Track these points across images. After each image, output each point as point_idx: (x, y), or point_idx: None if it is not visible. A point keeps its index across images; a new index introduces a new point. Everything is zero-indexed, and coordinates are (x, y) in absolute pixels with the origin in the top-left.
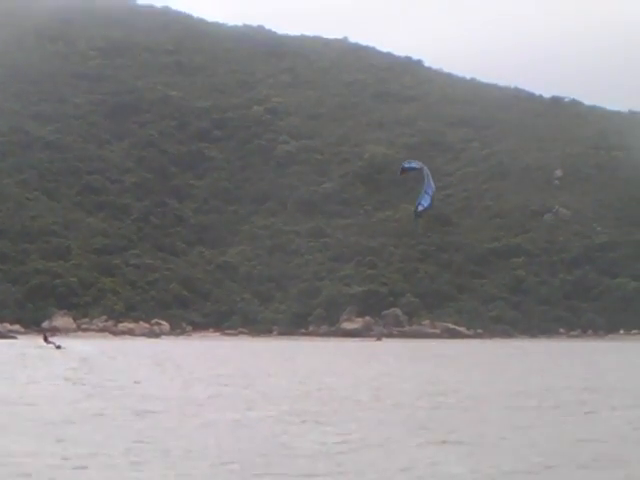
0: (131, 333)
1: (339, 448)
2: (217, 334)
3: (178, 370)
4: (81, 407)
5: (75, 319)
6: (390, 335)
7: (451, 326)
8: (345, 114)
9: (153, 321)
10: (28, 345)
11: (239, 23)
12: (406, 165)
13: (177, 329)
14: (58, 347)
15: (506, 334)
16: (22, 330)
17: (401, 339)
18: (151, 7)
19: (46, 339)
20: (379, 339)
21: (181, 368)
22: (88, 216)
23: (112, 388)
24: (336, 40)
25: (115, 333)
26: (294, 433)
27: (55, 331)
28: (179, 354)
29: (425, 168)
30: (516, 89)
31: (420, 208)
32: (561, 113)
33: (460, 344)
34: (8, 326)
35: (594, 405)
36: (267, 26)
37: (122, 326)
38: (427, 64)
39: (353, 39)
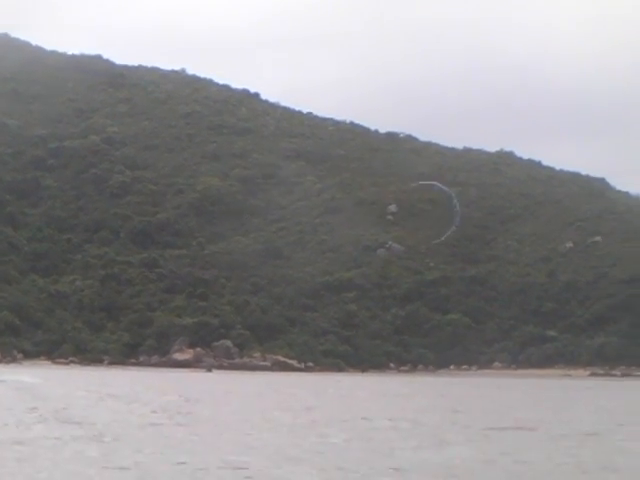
0: None
1: None
2: (48, 363)
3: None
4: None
5: None
6: (221, 367)
7: (282, 359)
8: (180, 145)
9: None
10: None
11: (77, 52)
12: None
13: (8, 357)
14: None
15: (337, 368)
16: None
17: (231, 371)
18: None
19: None
20: (209, 370)
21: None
22: None
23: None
24: (173, 71)
25: None
26: None
27: None
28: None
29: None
30: (352, 124)
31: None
32: (396, 148)
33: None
34: None
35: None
36: (105, 56)
37: None
38: (264, 97)
39: (191, 71)
